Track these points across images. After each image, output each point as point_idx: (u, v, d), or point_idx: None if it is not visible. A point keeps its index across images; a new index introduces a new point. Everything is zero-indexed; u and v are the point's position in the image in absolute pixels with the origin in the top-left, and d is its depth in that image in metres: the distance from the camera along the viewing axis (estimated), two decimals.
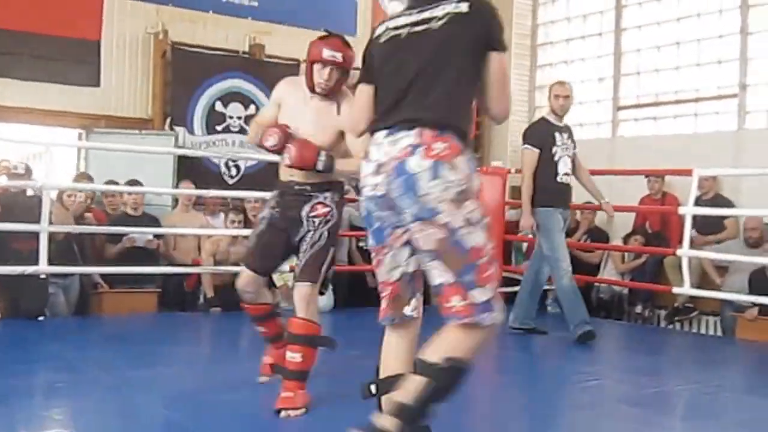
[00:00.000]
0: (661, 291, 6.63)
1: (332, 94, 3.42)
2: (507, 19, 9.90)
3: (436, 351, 2.18)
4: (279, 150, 3.32)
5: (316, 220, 3.42)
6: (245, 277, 3.57)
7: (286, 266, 6.25)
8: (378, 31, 2.41)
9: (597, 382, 4.40)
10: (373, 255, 2.36)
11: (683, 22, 8.35)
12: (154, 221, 6.73)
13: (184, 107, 8.13)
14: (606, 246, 7.27)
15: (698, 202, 6.10)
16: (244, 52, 8.49)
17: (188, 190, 6.94)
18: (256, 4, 8.60)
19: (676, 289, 5.95)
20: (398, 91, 2.28)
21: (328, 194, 3.45)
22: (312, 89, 3.41)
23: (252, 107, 8.34)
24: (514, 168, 7.64)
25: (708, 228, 6.63)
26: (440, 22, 2.27)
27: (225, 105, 8.33)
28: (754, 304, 5.84)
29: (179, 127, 8.07)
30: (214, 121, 8.28)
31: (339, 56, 3.34)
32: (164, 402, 3.48)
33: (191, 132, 8.16)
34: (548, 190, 5.44)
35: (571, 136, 5.62)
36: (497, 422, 3.59)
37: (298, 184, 3.43)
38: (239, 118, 8.35)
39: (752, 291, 5.89)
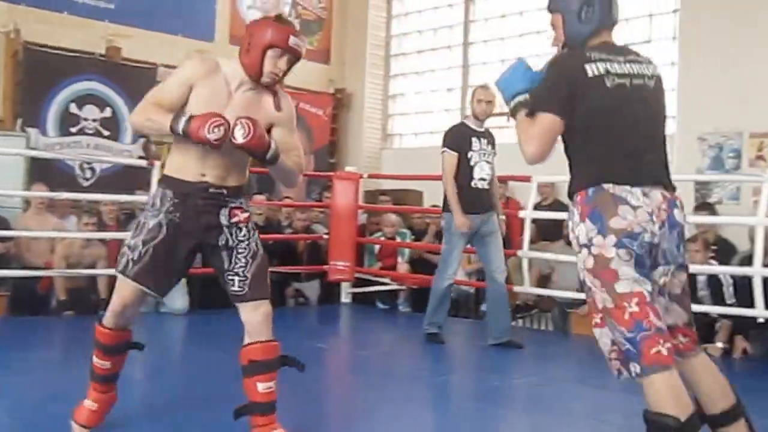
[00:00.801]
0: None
1: (271, 85, 2.85)
2: (362, 29, 10.00)
3: (728, 389, 2.36)
4: (222, 142, 2.62)
5: (243, 228, 2.83)
6: (133, 295, 2.83)
7: None
8: (595, 70, 2.32)
9: (443, 378, 4.43)
10: (639, 301, 2.22)
11: (525, 38, 8.68)
12: (4, 223, 6.30)
13: (37, 108, 7.73)
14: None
15: (539, 207, 6.31)
16: (100, 55, 8.13)
17: (40, 192, 6.50)
18: (112, 6, 8.25)
19: (516, 288, 6.14)
20: (638, 147, 2.33)
21: (242, 200, 2.89)
22: (257, 77, 2.77)
23: (108, 110, 8.10)
24: (367, 173, 7.76)
25: (551, 232, 6.85)
26: (652, 83, 2.40)
27: (80, 107, 7.97)
28: (586, 301, 6.07)
29: (32, 129, 7.65)
30: (68, 122, 7.91)
31: (302, 46, 2.80)
32: (13, 411, 3.25)
33: (44, 133, 7.76)
34: (461, 194, 5.20)
35: (491, 141, 5.38)
36: (342, 420, 3.56)
37: (214, 187, 2.79)
38: (94, 120, 8.05)
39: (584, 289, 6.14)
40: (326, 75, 10.08)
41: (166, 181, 2.85)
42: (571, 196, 2.39)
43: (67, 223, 6.80)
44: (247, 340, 2.82)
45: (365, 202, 7.88)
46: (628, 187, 2.26)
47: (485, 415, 3.63)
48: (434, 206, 7.50)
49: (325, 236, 7.30)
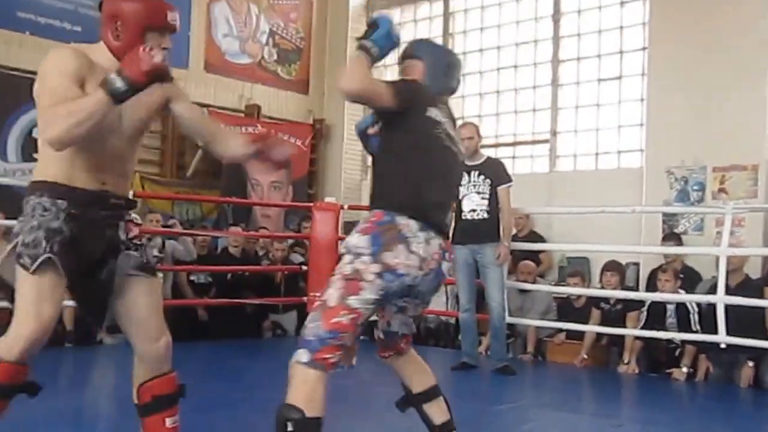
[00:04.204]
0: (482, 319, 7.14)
1: None
2: (341, 60, 10.12)
3: (429, 375, 2.93)
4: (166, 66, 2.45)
5: (137, 243, 2.68)
6: (46, 329, 2.45)
7: None
8: (433, 114, 2.76)
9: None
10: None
11: (502, 72, 9.28)
12: None
13: None
14: None
15: (514, 238, 6.74)
16: None
17: None
18: (79, 28, 8.27)
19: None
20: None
21: (132, 213, 2.80)
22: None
23: None
24: (347, 204, 8.06)
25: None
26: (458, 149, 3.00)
27: None
28: (561, 330, 6.60)
29: None
30: (30, 148, 7.74)
31: (178, 18, 2.60)
32: None
33: (4, 159, 7.78)
34: (455, 227, 5.62)
35: (485, 173, 5.74)
36: None
37: (114, 196, 2.59)
38: None
39: (560, 318, 6.65)
40: (305, 105, 10.33)
41: (51, 188, 2.49)
42: (370, 206, 2.72)
43: None
44: (146, 374, 2.67)
45: (345, 233, 7.93)
46: (415, 227, 2.61)
47: None
48: None
49: (304, 267, 7.51)
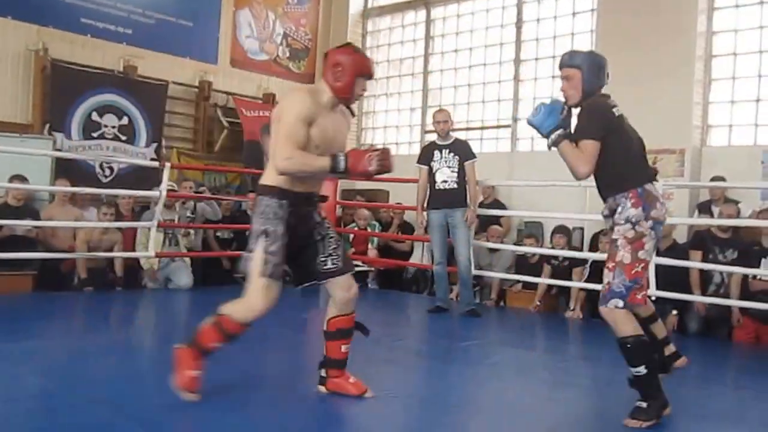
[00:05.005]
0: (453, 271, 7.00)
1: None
2: None
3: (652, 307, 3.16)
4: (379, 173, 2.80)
5: (327, 221, 3.03)
6: (277, 292, 2.83)
7: (151, 251, 6.20)
8: (616, 111, 2.91)
9: (402, 342, 4.64)
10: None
11: (473, 69, 9.09)
12: (33, 212, 6.33)
13: (62, 116, 7.71)
14: (413, 237, 7.55)
15: (481, 205, 6.59)
16: (118, 72, 8.19)
17: (63, 187, 6.52)
18: (130, 31, 8.30)
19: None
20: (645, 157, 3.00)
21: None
22: (348, 99, 2.89)
23: (125, 118, 8.15)
24: None
25: (490, 224, 7.09)
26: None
27: (101, 115, 8.00)
28: (518, 281, 6.46)
29: (58, 133, 7.65)
30: (90, 128, 7.91)
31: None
32: (38, 372, 3.17)
33: (69, 137, 7.75)
34: (430, 195, 5.70)
35: (454, 151, 5.62)
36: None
37: (316, 195, 2.98)
38: (113, 127, 8.09)
39: (517, 271, 6.55)
40: None
41: (278, 192, 2.84)
42: (615, 192, 2.85)
43: (86, 213, 6.84)
44: (335, 312, 2.98)
45: (342, 198, 8.13)
46: (654, 188, 2.88)
47: (432, 370, 3.86)
48: (398, 203, 7.74)
49: None
